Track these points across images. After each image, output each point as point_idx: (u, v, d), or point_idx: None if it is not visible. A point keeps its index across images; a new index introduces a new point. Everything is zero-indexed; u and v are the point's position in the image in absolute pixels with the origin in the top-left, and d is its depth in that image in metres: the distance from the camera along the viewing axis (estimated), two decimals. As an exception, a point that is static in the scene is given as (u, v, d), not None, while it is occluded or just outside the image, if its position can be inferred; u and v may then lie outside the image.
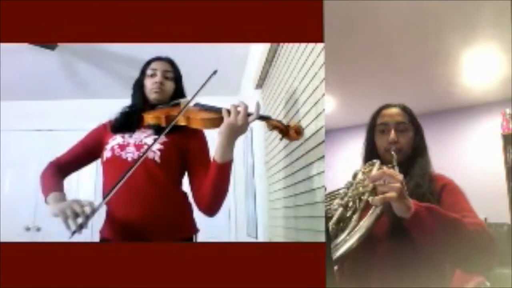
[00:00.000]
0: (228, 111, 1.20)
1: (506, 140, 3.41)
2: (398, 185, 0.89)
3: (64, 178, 1.39)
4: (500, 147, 3.42)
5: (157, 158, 1.26)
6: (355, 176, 1.10)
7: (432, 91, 3.63)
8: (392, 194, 0.88)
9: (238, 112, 1.19)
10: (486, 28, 2.51)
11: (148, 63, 1.45)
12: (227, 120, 1.19)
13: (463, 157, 3.84)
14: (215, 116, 1.25)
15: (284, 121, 1.35)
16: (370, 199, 0.94)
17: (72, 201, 1.12)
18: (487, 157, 3.67)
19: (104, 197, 1.14)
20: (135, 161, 1.21)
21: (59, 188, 1.30)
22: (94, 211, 1.08)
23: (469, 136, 3.95)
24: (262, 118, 1.30)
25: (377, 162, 1.10)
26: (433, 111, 3.98)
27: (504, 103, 3.49)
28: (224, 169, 1.21)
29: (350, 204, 1.01)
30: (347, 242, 0.93)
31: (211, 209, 1.26)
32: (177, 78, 1.45)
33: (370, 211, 0.97)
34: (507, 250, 2.95)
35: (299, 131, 1.30)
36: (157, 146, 1.27)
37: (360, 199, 1.01)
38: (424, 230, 0.89)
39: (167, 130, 1.23)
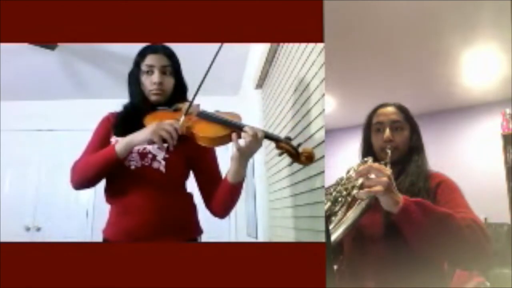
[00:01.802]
0: (238, 134, 1.13)
1: (506, 140, 3.41)
2: (385, 179, 0.88)
3: None
4: (500, 147, 3.43)
5: (162, 168, 1.23)
6: (348, 172, 1.10)
7: (432, 91, 3.63)
8: (378, 187, 0.87)
9: (251, 138, 1.11)
10: (486, 28, 2.51)
11: (142, 55, 1.30)
12: (240, 148, 1.12)
13: (463, 157, 3.84)
14: (223, 133, 1.15)
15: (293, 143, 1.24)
16: (355, 192, 0.93)
17: (160, 123, 1.14)
18: (487, 157, 3.67)
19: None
20: (138, 170, 1.21)
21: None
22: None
23: (469, 136, 3.95)
24: (272, 138, 1.19)
25: (369, 160, 1.10)
26: (433, 111, 3.98)
27: (504, 103, 3.49)
28: (236, 188, 1.22)
29: (339, 199, 1.02)
30: (332, 235, 0.93)
31: (223, 215, 1.30)
32: (177, 71, 1.34)
33: (356, 204, 0.97)
34: (507, 250, 2.95)
35: (310, 158, 1.16)
36: (162, 155, 1.24)
37: (348, 194, 1.01)
38: (413, 224, 0.88)
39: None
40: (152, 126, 1.14)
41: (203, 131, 1.16)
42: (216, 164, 1.34)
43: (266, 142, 2.38)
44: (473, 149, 3.87)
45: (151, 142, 1.15)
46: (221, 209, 1.28)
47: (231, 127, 1.15)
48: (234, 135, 1.13)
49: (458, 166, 3.49)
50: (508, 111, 3.45)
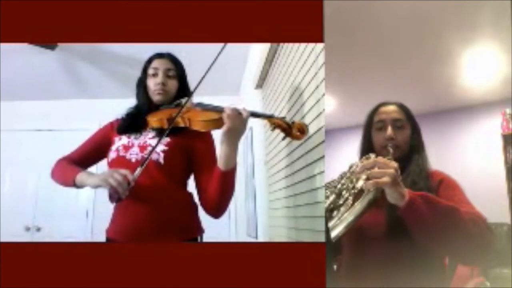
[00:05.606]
0: (227, 116, 1.17)
1: (506, 140, 3.41)
2: (391, 171, 0.88)
3: None
4: (500, 147, 3.43)
5: (160, 160, 1.26)
6: (351, 167, 1.09)
7: (432, 91, 3.63)
8: (385, 179, 0.87)
9: (235, 117, 1.16)
10: (486, 28, 2.51)
11: (149, 61, 1.42)
12: (225, 127, 1.16)
13: (463, 157, 3.84)
14: (215, 117, 1.21)
15: (287, 119, 1.30)
16: (363, 183, 0.92)
17: (112, 171, 1.15)
18: (487, 157, 3.67)
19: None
20: (138, 162, 1.21)
21: (82, 169, 1.29)
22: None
23: (469, 136, 3.95)
24: (264, 116, 1.27)
25: (372, 155, 1.08)
26: (433, 111, 3.98)
27: (504, 103, 3.49)
28: (228, 176, 1.20)
29: (343, 192, 1.00)
30: (336, 227, 0.92)
31: (217, 212, 1.27)
32: (180, 76, 1.41)
33: (362, 196, 0.95)
34: (507, 250, 2.95)
35: (302, 130, 1.24)
36: (160, 147, 1.26)
37: (353, 187, 0.99)
38: (419, 218, 0.88)
39: (165, 134, 1.22)
40: (104, 173, 1.15)
41: (198, 116, 1.25)
42: (213, 156, 1.32)
43: (265, 142, 2.39)
44: (473, 149, 3.87)
45: (99, 187, 1.17)
46: (212, 202, 1.24)
47: (222, 112, 1.21)
48: (224, 115, 1.17)
49: (458, 166, 3.49)
50: (508, 111, 3.45)
